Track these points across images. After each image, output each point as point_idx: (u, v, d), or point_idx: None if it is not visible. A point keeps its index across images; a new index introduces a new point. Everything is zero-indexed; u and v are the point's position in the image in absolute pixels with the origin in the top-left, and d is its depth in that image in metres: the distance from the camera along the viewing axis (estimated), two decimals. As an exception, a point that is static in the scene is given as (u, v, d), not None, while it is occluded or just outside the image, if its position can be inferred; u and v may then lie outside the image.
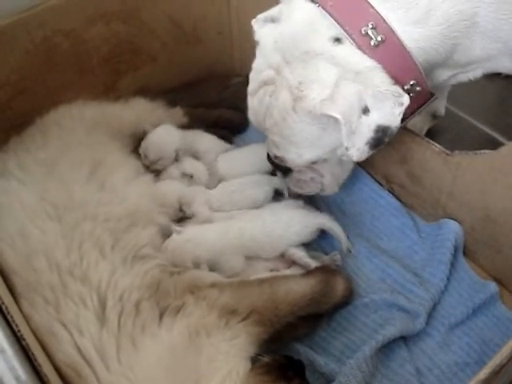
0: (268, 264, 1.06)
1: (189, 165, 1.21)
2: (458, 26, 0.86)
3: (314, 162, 1.01)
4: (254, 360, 0.83)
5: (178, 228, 1.02)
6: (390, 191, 1.20)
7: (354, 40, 0.87)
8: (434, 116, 1.31)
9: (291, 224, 1.07)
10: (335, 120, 0.85)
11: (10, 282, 0.87)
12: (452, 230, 1.09)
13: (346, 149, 0.89)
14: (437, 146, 1.03)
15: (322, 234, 1.13)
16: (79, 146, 1.04)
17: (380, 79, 0.86)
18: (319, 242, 1.13)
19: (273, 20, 0.95)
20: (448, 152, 1.02)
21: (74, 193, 0.95)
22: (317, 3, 0.89)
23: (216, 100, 1.36)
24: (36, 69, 1.20)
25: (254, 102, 0.98)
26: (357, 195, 1.21)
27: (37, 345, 0.78)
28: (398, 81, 0.88)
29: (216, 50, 1.31)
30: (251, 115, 1.01)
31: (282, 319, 0.90)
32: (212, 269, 1.01)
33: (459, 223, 1.09)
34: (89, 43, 1.25)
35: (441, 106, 1.31)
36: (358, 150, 0.89)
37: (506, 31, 0.86)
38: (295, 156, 0.98)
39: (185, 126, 1.28)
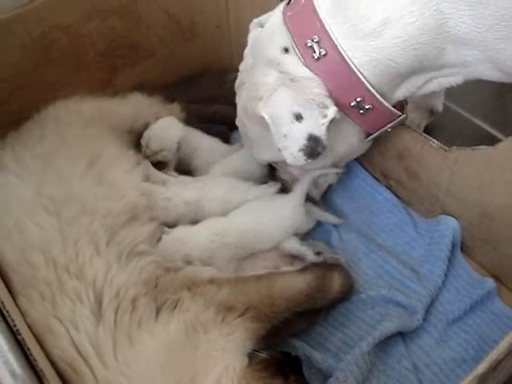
0: (267, 263, 1.06)
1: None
2: (419, 39, 0.85)
3: (275, 163, 1.08)
4: (251, 356, 0.83)
5: (167, 229, 1.03)
6: (387, 187, 1.20)
7: (299, 51, 0.90)
8: (432, 112, 1.31)
9: (281, 207, 1.08)
10: None
11: (6, 278, 0.87)
12: (449, 226, 1.09)
13: (278, 150, 0.91)
14: (434, 142, 1.03)
15: (319, 232, 1.14)
16: (76, 140, 1.04)
17: (312, 89, 0.88)
18: (315, 236, 1.14)
19: (260, 24, 1.02)
20: (446, 148, 1.02)
21: (71, 187, 0.95)
22: (283, 13, 0.94)
23: (213, 95, 1.36)
24: (33, 64, 1.19)
25: (236, 100, 1.05)
26: (354, 191, 1.21)
27: (33, 340, 0.78)
28: (340, 96, 0.90)
29: (214, 45, 1.31)
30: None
31: (279, 315, 0.89)
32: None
33: (457, 219, 1.09)
34: (86, 38, 1.24)
35: (438, 102, 1.30)
36: (292, 154, 0.91)
37: (481, 42, 0.85)
38: (256, 152, 1.06)
39: (182, 122, 1.27)
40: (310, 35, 0.89)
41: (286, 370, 0.83)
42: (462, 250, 1.11)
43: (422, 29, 0.84)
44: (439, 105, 1.30)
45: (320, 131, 0.88)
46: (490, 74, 0.91)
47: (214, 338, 0.82)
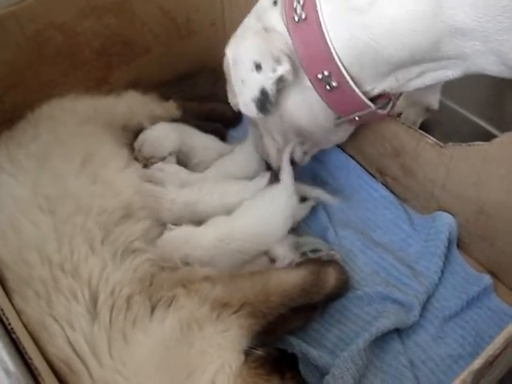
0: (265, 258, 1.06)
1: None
2: (409, 25, 0.82)
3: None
4: (248, 353, 0.83)
5: (171, 226, 1.01)
6: (383, 184, 1.20)
7: (284, 9, 0.91)
8: (428, 109, 1.31)
9: (278, 201, 1.07)
10: None
11: (1, 276, 0.87)
12: (446, 222, 1.09)
13: (235, 93, 0.94)
14: (430, 139, 1.03)
15: (316, 229, 1.14)
16: (71, 138, 1.04)
17: (277, 43, 0.89)
18: (311, 233, 1.14)
19: None
20: (441, 144, 1.01)
21: (66, 185, 0.95)
22: None
23: (209, 93, 1.36)
24: (27, 62, 1.19)
25: None
26: (350, 188, 1.21)
27: (28, 338, 0.78)
28: (308, 65, 0.90)
29: (209, 42, 1.31)
30: None
31: (275, 311, 0.89)
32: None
33: (453, 216, 1.09)
34: (81, 36, 1.24)
35: (434, 99, 1.30)
36: (245, 102, 0.93)
37: (481, 33, 0.82)
38: (229, 100, 1.05)
39: (178, 120, 1.27)
40: None
41: (283, 367, 0.83)
42: (458, 246, 1.11)
43: (415, 15, 0.80)
44: (435, 102, 1.30)
45: (268, 85, 0.89)
46: (491, 68, 0.88)
47: (209, 334, 0.81)
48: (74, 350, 0.78)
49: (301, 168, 1.22)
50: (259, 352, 0.83)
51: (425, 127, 1.26)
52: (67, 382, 0.77)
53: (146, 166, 1.17)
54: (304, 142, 1.09)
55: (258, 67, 0.88)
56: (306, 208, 1.13)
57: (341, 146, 1.26)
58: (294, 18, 0.88)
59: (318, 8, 0.86)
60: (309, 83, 0.92)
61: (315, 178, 1.22)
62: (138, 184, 1.05)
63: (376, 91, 0.94)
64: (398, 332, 1.00)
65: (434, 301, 1.04)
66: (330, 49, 0.87)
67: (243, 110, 0.94)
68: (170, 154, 1.20)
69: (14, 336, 0.72)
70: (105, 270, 0.86)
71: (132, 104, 1.23)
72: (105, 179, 0.99)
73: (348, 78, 0.89)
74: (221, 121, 1.33)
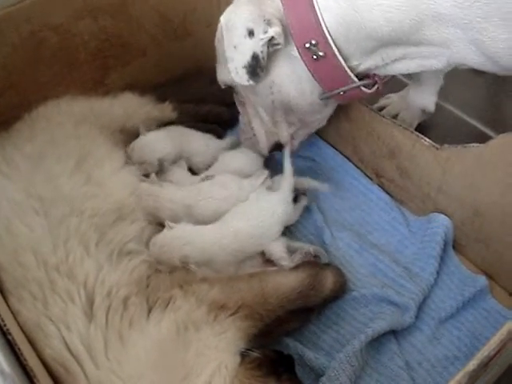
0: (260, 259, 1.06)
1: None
2: (392, 2, 0.84)
3: (233, 90, 1.08)
4: (244, 354, 0.83)
5: (170, 224, 1.01)
6: (379, 185, 1.20)
7: None
8: (424, 112, 1.31)
9: (276, 205, 1.07)
10: None
11: (-3, 278, 0.87)
12: (442, 224, 1.09)
13: (227, 60, 0.94)
14: (426, 140, 1.03)
15: (312, 231, 1.13)
16: (66, 140, 1.04)
17: (268, 9, 0.91)
18: (308, 235, 1.14)
19: None
20: (437, 146, 1.02)
21: (60, 187, 0.95)
22: None
23: (205, 95, 1.36)
24: (24, 64, 1.19)
25: None
26: (346, 190, 1.21)
27: (23, 339, 0.78)
28: (297, 33, 0.91)
29: (205, 44, 1.30)
30: None
31: (272, 313, 0.89)
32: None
33: (449, 217, 1.09)
34: (77, 38, 1.24)
35: (430, 102, 1.30)
36: (236, 69, 0.94)
37: (462, 19, 0.83)
38: (217, 74, 1.07)
39: (174, 122, 1.27)
40: None
41: (279, 369, 0.83)
42: (454, 247, 1.11)
43: None
44: (431, 105, 1.30)
45: (259, 47, 0.91)
46: (472, 57, 0.89)
47: (205, 336, 0.81)
48: (70, 351, 0.78)
49: (297, 169, 1.23)
50: (255, 353, 0.83)
51: (421, 129, 1.27)
52: (63, 383, 0.77)
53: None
54: (291, 123, 1.09)
55: (251, 33, 0.90)
56: (299, 209, 1.13)
57: (337, 148, 1.26)
58: None
59: None
60: (296, 53, 0.93)
61: (311, 179, 1.21)
62: (132, 185, 1.04)
63: (362, 68, 0.96)
64: (394, 333, 1.00)
65: (430, 302, 1.04)
66: (318, 18, 0.89)
67: (234, 77, 0.95)
68: (162, 163, 1.19)
69: (9, 337, 0.72)
70: (101, 271, 0.86)
71: (128, 106, 1.23)
72: (98, 181, 0.99)
73: (334, 48, 0.91)
74: (217, 122, 1.33)
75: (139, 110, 1.24)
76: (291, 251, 1.05)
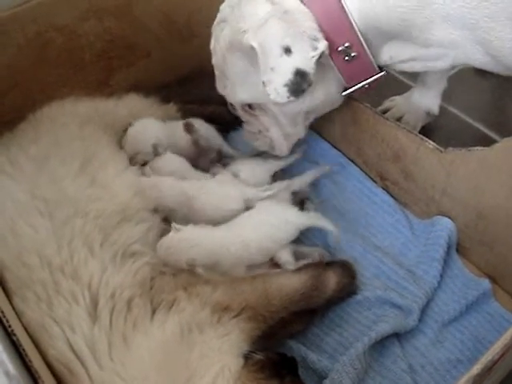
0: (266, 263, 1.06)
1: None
2: (405, 3, 0.86)
3: (251, 106, 1.05)
4: (247, 357, 0.83)
5: (177, 226, 1.00)
6: (383, 188, 1.20)
7: None
8: (428, 114, 1.31)
9: (287, 225, 1.06)
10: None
11: (1, 278, 0.87)
12: (445, 227, 1.09)
13: (263, 84, 0.91)
14: (430, 143, 1.03)
15: (316, 233, 1.14)
16: (71, 141, 1.04)
17: (304, 22, 0.89)
18: (311, 237, 1.13)
19: None
20: (442, 149, 1.02)
21: (64, 188, 0.95)
22: None
23: (209, 96, 1.36)
24: (29, 64, 1.19)
25: (212, 41, 1.03)
26: (350, 192, 1.21)
27: (28, 340, 0.78)
28: (329, 38, 0.91)
29: (210, 45, 1.31)
30: (212, 54, 1.05)
31: (275, 315, 0.89)
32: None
33: (452, 220, 1.09)
34: (82, 39, 1.24)
35: (435, 104, 1.30)
36: (276, 89, 0.91)
37: (470, 20, 0.85)
38: (231, 93, 1.04)
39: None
40: None
41: (282, 371, 0.83)
42: (457, 250, 1.11)
43: None
44: (435, 107, 1.30)
45: (309, 65, 0.89)
46: (478, 57, 0.91)
47: (209, 338, 0.81)
48: (74, 352, 0.78)
49: (300, 172, 1.23)
50: (259, 356, 0.83)
51: (425, 132, 1.27)
52: (67, 384, 0.77)
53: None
54: (309, 120, 1.10)
55: (288, 50, 0.88)
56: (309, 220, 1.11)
57: (341, 150, 1.26)
58: None
59: None
60: (327, 58, 0.94)
61: (315, 182, 1.22)
62: (136, 186, 1.04)
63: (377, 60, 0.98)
64: (397, 336, 1.00)
65: (433, 305, 1.04)
66: (350, 20, 0.90)
67: (274, 97, 0.92)
68: (157, 148, 1.18)
69: (14, 338, 0.72)
70: (105, 272, 0.86)
71: (133, 107, 1.23)
72: (103, 183, 0.99)
73: (367, 48, 0.93)
74: (221, 123, 1.33)
75: (144, 110, 1.24)
76: (297, 255, 1.05)
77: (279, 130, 1.09)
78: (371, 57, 0.95)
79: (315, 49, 0.89)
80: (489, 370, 0.69)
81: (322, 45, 0.89)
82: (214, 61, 1.03)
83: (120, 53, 1.31)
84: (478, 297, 1.03)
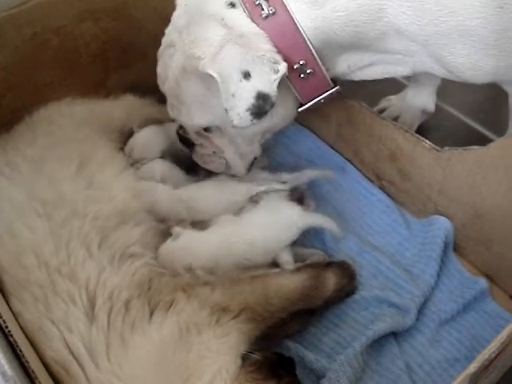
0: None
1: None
2: (359, 18, 0.87)
3: (207, 130, 1.03)
4: (245, 357, 0.83)
5: (177, 229, 1.00)
6: (380, 188, 1.20)
7: (246, 8, 0.89)
8: (424, 112, 1.31)
9: (292, 226, 1.06)
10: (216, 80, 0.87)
11: (-1, 279, 0.87)
12: (442, 226, 1.09)
13: (226, 111, 0.90)
14: (427, 143, 1.03)
15: (313, 233, 1.13)
16: (68, 142, 1.04)
17: (261, 45, 0.88)
18: (309, 237, 1.13)
19: None
20: (438, 148, 1.02)
21: (62, 190, 0.94)
22: None
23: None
24: (25, 66, 1.19)
25: (158, 66, 1.01)
26: (347, 192, 1.21)
27: (25, 341, 0.78)
28: (285, 56, 0.90)
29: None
30: (158, 80, 1.03)
31: (274, 315, 0.89)
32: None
33: (449, 219, 1.09)
34: (78, 40, 1.24)
35: (430, 102, 1.31)
36: (239, 115, 0.90)
37: (421, 35, 0.87)
38: (187, 119, 1.01)
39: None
40: None
41: (280, 371, 0.83)
42: (454, 249, 1.11)
43: (363, 9, 0.86)
44: (431, 105, 1.31)
45: (271, 88, 0.88)
46: (435, 67, 0.92)
47: (207, 339, 0.81)
48: (72, 352, 0.78)
49: (297, 171, 1.23)
50: (256, 356, 0.83)
51: (421, 131, 1.27)
52: (64, 385, 0.77)
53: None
54: (265, 137, 1.08)
55: (247, 75, 0.87)
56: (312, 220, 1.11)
57: (338, 150, 1.26)
58: (261, 14, 0.89)
59: (285, 2, 0.88)
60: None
61: (312, 182, 1.22)
62: (134, 188, 1.04)
63: (330, 74, 0.98)
64: (395, 335, 1.00)
65: (431, 304, 1.04)
66: (304, 38, 0.89)
67: (237, 122, 0.91)
68: (162, 156, 1.19)
69: (11, 339, 0.72)
70: (102, 273, 0.86)
71: (129, 108, 1.23)
72: (100, 184, 0.99)
73: (321, 64, 0.93)
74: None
75: (140, 111, 1.25)
76: (296, 257, 1.05)
77: (235, 150, 1.07)
78: (326, 72, 0.95)
79: (276, 71, 0.88)
80: (486, 368, 0.69)
81: (283, 67, 0.88)
82: (165, 87, 1.01)
83: (116, 54, 1.31)
84: (475, 296, 1.03)
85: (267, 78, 0.88)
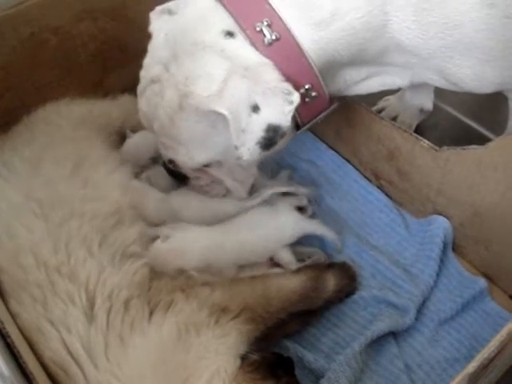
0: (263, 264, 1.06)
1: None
2: (364, 35, 0.85)
3: (206, 165, 0.97)
4: (243, 357, 0.83)
5: (165, 232, 0.99)
6: (378, 187, 1.20)
7: (247, 36, 0.84)
8: (422, 110, 1.31)
9: (286, 230, 1.06)
10: (223, 117, 0.82)
11: (-3, 280, 0.87)
12: (441, 225, 1.09)
13: (236, 148, 0.85)
14: (425, 142, 1.03)
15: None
16: (65, 142, 1.03)
17: (270, 76, 0.83)
18: (307, 237, 1.12)
19: (169, 12, 0.91)
20: (436, 148, 1.02)
21: (58, 190, 0.94)
22: None
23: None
24: (23, 66, 1.19)
25: (142, 103, 0.93)
26: (346, 192, 1.21)
27: (23, 342, 0.77)
28: (292, 83, 0.85)
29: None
30: (141, 118, 0.96)
31: (274, 316, 0.89)
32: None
33: (448, 219, 1.09)
34: (76, 40, 1.24)
35: (428, 100, 1.31)
36: (249, 149, 0.86)
37: (425, 49, 0.85)
38: (186, 158, 0.94)
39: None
40: (259, 18, 0.83)
41: (278, 372, 0.83)
42: (453, 249, 1.11)
43: (367, 26, 0.84)
44: (429, 103, 1.31)
45: (285, 119, 0.84)
46: (435, 78, 0.91)
47: (206, 339, 0.81)
48: (70, 353, 0.78)
49: (296, 171, 1.23)
50: (255, 356, 0.83)
51: (420, 131, 1.27)
52: (62, 386, 0.77)
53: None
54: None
55: (255, 108, 0.83)
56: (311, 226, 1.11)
57: (336, 150, 1.26)
58: (263, 41, 0.84)
59: (288, 25, 0.84)
60: None
61: (311, 181, 1.22)
62: (125, 186, 1.03)
63: (329, 92, 0.95)
64: (394, 335, 1.00)
65: (430, 304, 1.04)
66: (309, 62, 0.86)
67: (246, 157, 0.87)
68: (155, 161, 1.18)
69: (8, 340, 0.72)
70: (103, 273, 0.86)
71: (127, 107, 1.22)
72: (95, 184, 0.98)
73: (324, 86, 0.90)
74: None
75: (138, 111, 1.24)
76: (296, 256, 1.06)
77: (233, 178, 1.03)
78: (327, 93, 0.92)
79: (291, 102, 0.83)
80: (485, 367, 0.69)
81: (296, 97, 0.84)
82: (155, 127, 0.92)
83: (114, 54, 1.31)
84: (474, 295, 1.03)
85: (281, 109, 0.84)
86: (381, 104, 1.38)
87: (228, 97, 0.81)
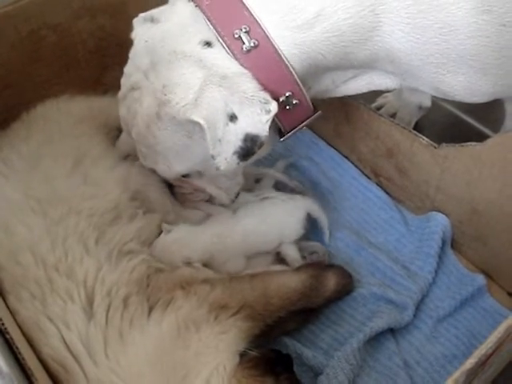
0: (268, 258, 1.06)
1: None
2: (351, 37, 0.82)
3: (186, 175, 0.96)
4: (242, 354, 0.83)
5: (167, 226, 1.00)
6: (377, 184, 1.20)
7: (225, 43, 0.82)
8: (421, 107, 1.31)
9: (292, 212, 1.07)
10: (200, 126, 0.81)
11: (-5, 277, 0.87)
12: (440, 222, 1.09)
13: (212, 157, 0.84)
14: (424, 139, 1.03)
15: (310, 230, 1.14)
16: (63, 139, 1.03)
17: (247, 85, 0.81)
18: (306, 233, 1.12)
19: (152, 20, 0.91)
20: (435, 145, 1.02)
21: (57, 187, 0.94)
22: (195, 3, 0.84)
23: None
24: (22, 63, 1.19)
25: (122, 110, 0.92)
26: (345, 189, 1.21)
27: (22, 339, 0.77)
28: (271, 91, 0.83)
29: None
30: (122, 123, 0.95)
31: (274, 314, 0.89)
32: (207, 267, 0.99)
33: (447, 216, 1.09)
34: (75, 37, 1.24)
35: (426, 98, 1.31)
36: (226, 159, 0.84)
37: (418, 54, 0.83)
38: (164, 167, 0.93)
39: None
40: (238, 25, 0.81)
41: (277, 368, 0.83)
42: (452, 246, 1.11)
43: (355, 28, 0.81)
44: (427, 100, 1.31)
45: (263, 128, 0.82)
46: (427, 86, 0.90)
47: (205, 336, 0.81)
48: (69, 349, 0.78)
49: (295, 169, 1.23)
50: (254, 353, 0.83)
51: (419, 128, 1.27)
52: (61, 383, 0.77)
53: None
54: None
55: (233, 117, 0.81)
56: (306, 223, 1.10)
57: (335, 147, 1.26)
58: (242, 48, 0.81)
59: (266, 32, 0.82)
60: None
61: (310, 178, 1.22)
62: (126, 182, 1.02)
63: (312, 92, 0.92)
64: (393, 332, 1.00)
65: (428, 301, 1.04)
66: (290, 70, 0.84)
67: (224, 167, 0.85)
68: None
69: (7, 336, 0.72)
70: (100, 270, 0.86)
71: (126, 104, 1.22)
72: (95, 181, 0.98)
73: (306, 93, 0.88)
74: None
75: None
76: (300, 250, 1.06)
77: (216, 187, 1.03)
78: (310, 100, 0.89)
79: (268, 111, 0.81)
80: (482, 364, 0.69)
81: (274, 106, 0.81)
82: (133, 133, 0.91)
83: (113, 50, 1.30)
84: (472, 292, 1.04)
85: (258, 119, 0.82)
86: (379, 101, 1.38)
87: (204, 106, 0.80)
